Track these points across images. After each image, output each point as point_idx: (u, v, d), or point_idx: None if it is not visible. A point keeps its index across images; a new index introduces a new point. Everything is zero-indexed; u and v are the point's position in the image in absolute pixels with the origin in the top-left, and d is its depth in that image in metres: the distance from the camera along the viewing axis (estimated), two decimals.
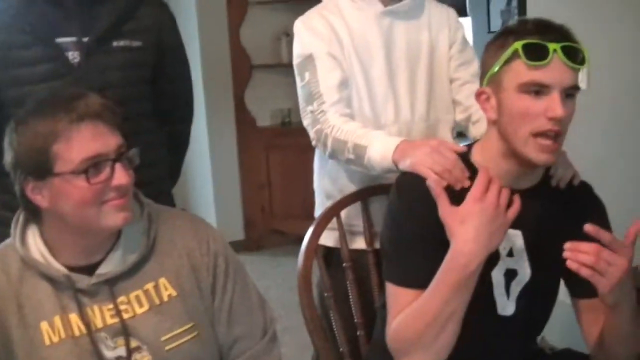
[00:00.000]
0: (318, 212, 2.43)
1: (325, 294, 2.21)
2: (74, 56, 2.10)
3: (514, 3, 8.01)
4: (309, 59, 2.25)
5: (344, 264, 2.21)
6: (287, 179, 5.58)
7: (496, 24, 9.28)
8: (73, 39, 2.09)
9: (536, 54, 1.68)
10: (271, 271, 5.24)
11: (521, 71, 1.71)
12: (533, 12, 3.43)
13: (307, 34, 2.28)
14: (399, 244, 1.85)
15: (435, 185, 1.75)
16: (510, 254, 1.83)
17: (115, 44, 2.14)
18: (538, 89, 1.70)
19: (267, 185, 5.81)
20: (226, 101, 5.74)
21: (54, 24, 2.09)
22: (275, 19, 5.52)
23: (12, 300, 1.65)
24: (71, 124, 1.54)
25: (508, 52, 1.72)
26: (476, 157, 1.87)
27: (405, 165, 1.92)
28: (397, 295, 1.82)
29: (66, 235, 1.65)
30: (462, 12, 9.16)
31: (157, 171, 2.32)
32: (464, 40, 2.41)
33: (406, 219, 1.83)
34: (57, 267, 1.65)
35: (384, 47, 2.28)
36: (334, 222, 2.21)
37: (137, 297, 1.69)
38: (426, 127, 2.32)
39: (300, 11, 2.39)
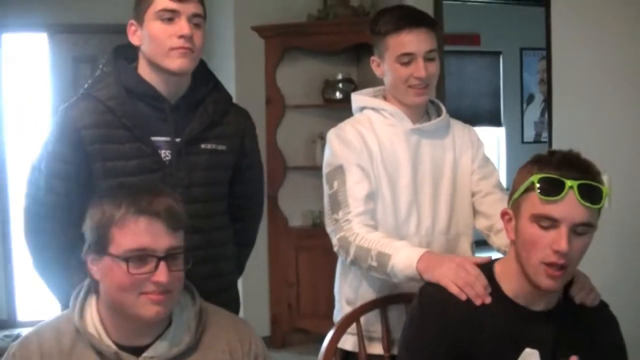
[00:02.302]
0: (337, 316, 2.50)
1: None
2: (165, 154, 2.25)
3: (547, 115, 8.15)
4: (339, 169, 2.34)
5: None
6: (314, 278, 5.62)
7: (529, 135, 9.42)
8: (167, 138, 2.25)
9: (551, 188, 1.77)
10: None
11: (535, 203, 1.80)
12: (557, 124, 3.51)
13: (339, 145, 2.37)
14: (415, 351, 1.90)
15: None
16: None
17: (203, 146, 2.31)
18: (548, 222, 1.78)
19: (295, 284, 5.84)
20: None
21: (151, 124, 2.25)
22: (310, 122, 5.65)
23: None
24: (128, 214, 1.70)
25: (527, 182, 1.82)
26: (498, 272, 1.95)
27: (429, 277, 2.00)
28: None
29: (114, 314, 1.78)
30: (496, 122, 9.29)
31: (229, 265, 2.47)
32: (485, 157, 2.51)
33: (425, 328, 1.90)
34: (108, 344, 1.77)
35: (410, 161, 2.38)
36: (353, 327, 2.27)
37: None
38: (446, 241, 2.40)
39: (334, 116, 2.51)
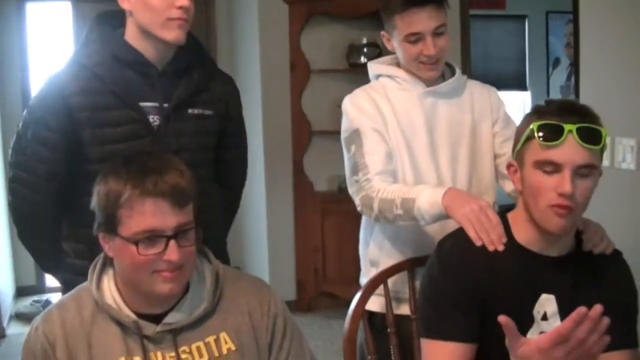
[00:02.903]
0: (362, 278, 2.54)
1: (369, 357, 2.29)
2: (154, 120, 2.26)
3: (574, 79, 8.09)
4: (355, 133, 2.37)
5: (389, 329, 2.30)
6: (340, 243, 5.66)
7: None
8: (155, 104, 2.26)
9: (551, 134, 1.81)
10: (320, 332, 5.30)
11: (537, 149, 1.84)
12: (585, 90, 3.50)
13: (354, 110, 2.40)
14: (437, 301, 1.94)
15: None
16: (544, 317, 1.91)
17: (190, 111, 2.32)
18: (551, 167, 1.82)
19: (321, 249, 5.88)
20: (285, 165, 5.86)
21: (139, 90, 2.25)
22: (335, 87, 5.64)
23: (83, 339, 1.78)
24: (134, 197, 1.69)
25: (527, 131, 1.86)
26: (511, 221, 1.99)
27: (452, 213, 2.05)
28: (435, 351, 1.92)
29: (128, 286, 1.80)
30: (522, 86, 9.23)
31: (217, 230, 2.48)
32: (507, 116, 2.50)
33: (444, 278, 1.94)
34: (127, 314, 1.79)
35: (426, 125, 2.39)
36: (380, 289, 2.30)
37: (198, 348, 1.81)
38: None
39: (359, 80, 2.52)
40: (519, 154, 1.92)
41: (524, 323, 1.89)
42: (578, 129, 1.80)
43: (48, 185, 2.29)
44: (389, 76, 2.45)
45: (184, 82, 2.31)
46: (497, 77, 8.44)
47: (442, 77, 2.48)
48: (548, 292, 1.92)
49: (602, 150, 1.86)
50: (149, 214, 1.70)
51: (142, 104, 2.26)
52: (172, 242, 1.72)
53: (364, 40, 5.77)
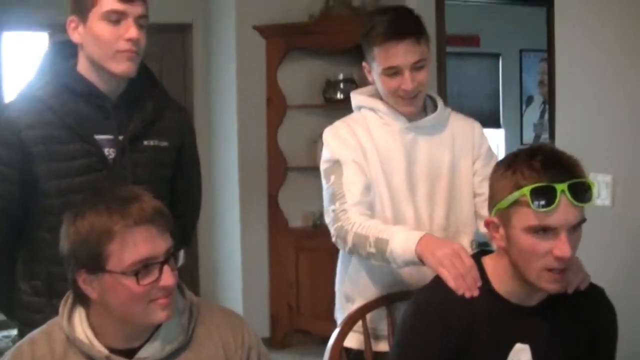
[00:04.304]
0: (338, 313, 2.53)
1: None
2: (109, 152, 2.23)
3: (547, 117, 8.16)
4: (335, 164, 2.36)
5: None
6: (314, 279, 5.62)
7: (529, 136, 9.42)
8: (110, 136, 2.23)
9: (543, 198, 1.73)
10: None
11: (529, 215, 1.76)
12: (560, 127, 3.51)
13: (335, 142, 2.40)
14: (407, 353, 1.91)
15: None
16: None
17: (145, 143, 2.29)
18: (544, 232, 1.76)
19: (295, 285, 5.83)
20: (260, 200, 5.83)
21: (94, 123, 2.22)
22: (311, 123, 5.64)
23: None
24: (126, 228, 1.65)
25: (516, 194, 1.78)
26: (489, 270, 1.94)
27: (427, 260, 2.02)
28: None
29: (110, 322, 1.75)
30: (495, 124, 9.30)
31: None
32: (489, 154, 2.49)
33: (419, 331, 1.90)
34: (99, 349, 1.74)
35: (405, 161, 2.38)
36: (357, 325, 2.27)
37: None
38: (445, 237, 2.38)
39: (335, 116, 2.52)
40: (502, 213, 1.85)
41: None
42: (569, 188, 1.74)
43: (3, 222, 2.23)
44: (370, 109, 2.44)
45: (138, 113, 2.28)
46: (471, 114, 8.42)
47: (425, 111, 2.47)
48: (523, 341, 1.88)
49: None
50: (142, 242, 1.67)
51: (97, 136, 2.22)
52: (166, 267, 1.69)
53: (341, 76, 5.78)
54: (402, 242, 2.12)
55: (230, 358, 1.85)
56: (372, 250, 2.19)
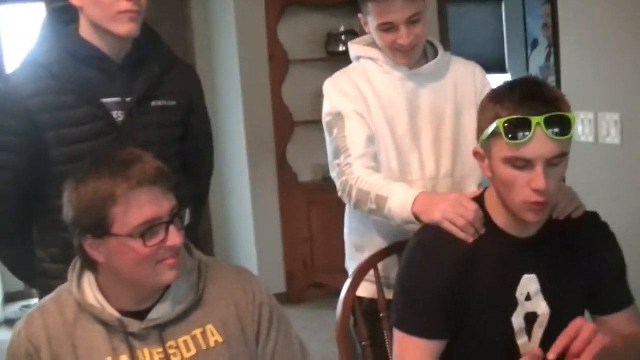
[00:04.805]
0: (349, 263, 2.55)
1: (363, 343, 2.27)
2: (117, 115, 2.21)
3: (553, 60, 8.09)
4: (337, 117, 2.36)
5: (381, 314, 2.28)
6: (328, 233, 5.60)
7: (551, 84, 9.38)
8: (117, 99, 2.21)
9: (518, 130, 1.74)
10: (312, 323, 5.28)
11: (505, 147, 1.77)
12: (566, 68, 3.49)
13: (335, 94, 2.39)
14: (411, 292, 1.92)
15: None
16: (528, 298, 1.90)
17: (153, 103, 2.28)
18: (522, 162, 1.76)
19: (309, 240, 5.86)
20: (268, 157, 5.84)
21: (99, 86, 2.20)
22: (315, 77, 5.56)
23: (68, 341, 1.74)
24: (129, 190, 1.64)
25: (492, 127, 1.79)
26: (488, 203, 1.96)
27: (427, 219, 2.02)
28: (406, 345, 1.91)
29: (119, 285, 1.75)
30: (501, 69, 9.23)
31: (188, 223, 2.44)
32: None
33: (421, 270, 1.91)
34: (111, 312, 1.74)
35: (408, 109, 2.38)
36: (370, 275, 2.28)
37: (185, 343, 1.77)
38: (452, 183, 2.41)
39: (339, 68, 2.50)
40: (485, 145, 1.86)
41: (508, 306, 1.89)
42: (546, 121, 1.73)
43: (14, 191, 2.24)
44: (369, 58, 2.43)
45: (144, 74, 2.26)
46: (476, 61, 8.40)
47: (426, 58, 2.46)
48: (528, 272, 1.90)
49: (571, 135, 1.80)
50: (146, 203, 1.66)
51: (104, 100, 2.20)
52: (172, 227, 1.69)
53: (342, 29, 5.75)
54: (400, 200, 2.13)
55: (242, 315, 1.85)
56: (373, 206, 2.21)
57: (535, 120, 1.73)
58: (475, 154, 1.93)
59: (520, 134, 1.73)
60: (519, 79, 1.87)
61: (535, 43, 9.36)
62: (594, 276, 1.94)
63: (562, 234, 1.94)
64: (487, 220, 1.94)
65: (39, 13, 6.24)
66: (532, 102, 1.76)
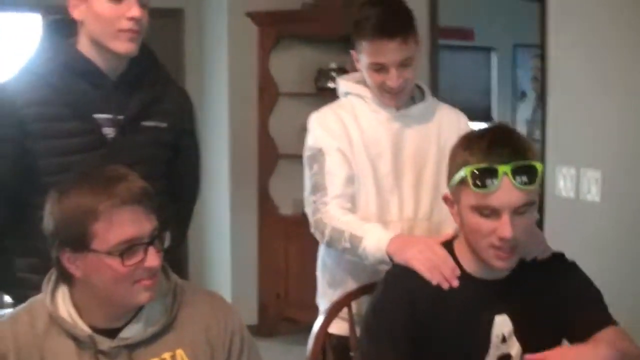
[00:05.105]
0: (320, 299, 2.55)
1: None
2: (107, 132, 2.22)
3: (540, 113, 8.16)
4: (319, 153, 2.37)
5: (351, 353, 2.27)
6: (303, 268, 5.56)
7: (521, 132, 9.45)
8: (109, 116, 2.22)
9: (485, 178, 1.75)
10: (282, 358, 5.25)
11: (471, 195, 1.79)
12: (551, 122, 3.52)
13: (320, 129, 2.40)
14: (377, 335, 1.92)
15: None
16: (503, 340, 1.89)
17: (145, 123, 2.29)
18: (488, 211, 1.77)
19: (284, 273, 5.84)
20: (250, 187, 5.84)
21: (93, 101, 2.21)
22: (303, 111, 5.55)
23: (36, 352, 1.72)
24: (112, 207, 1.64)
25: (459, 174, 1.80)
26: (457, 250, 1.96)
27: (400, 258, 2.03)
28: None
29: (93, 301, 1.74)
30: (488, 119, 9.29)
31: (171, 244, 2.43)
32: None
33: (388, 312, 1.91)
34: (82, 327, 1.73)
35: (392, 148, 2.39)
36: (342, 312, 2.28)
37: None
38: (429, 226, 2.41)
39: (326, 104, 2.51)
40: (454, 191, 1.88)
41: (479, 348, 1.89)
42: (513, 170, 1.74)
43: (0, 198, 2.23)
44: (357, 95, 2.44)
45: (138, 93, 2.28)
46: (464, 108, 8.35)
47: (413, 100, 2.48)
48: (500, 313, 1.90)
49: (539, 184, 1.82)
50: (128, 222, 1.66)
51: (96, 115, 2.21)
52: (151, 248, 1.69)
53: (333, 65, 5.78)
54: (375, 241, 2.14)
55: (213, 341, 1.84)
56: (347, 245, 2.22)
57: (502, 169, 1.74)
58: (445, 199, 1.95)
59: (487, 182, 1.75)
60: (490, 126, 1.91)
61: (523, 95, 9.43)
62: (566, 309, 1.93)
63: (532, 275, 1.95)
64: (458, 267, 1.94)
65: (34, 23, 6.26)
66: (500, 149, 1.77)
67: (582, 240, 3.21)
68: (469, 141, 1.84)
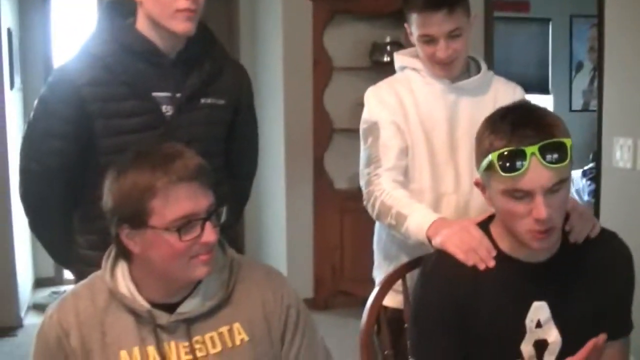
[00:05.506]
0: (376, 272, 2.57)
1: (385, 352, 2.29)
2: (167, 110, 2.25)
3: (596, 83, 8.05)
4: (374, 126, 2.39)
5: (405, 325, 2.29)
6: (358, 242, 5.60)
7: (577, 103, 9.32)
8: (167, 94, 2.25)
9: (512, 162, 1.70)
10: (337, 331, 5.28)
11: (501, 180, 1.74)
12: (608, 92, 3.48)
13: (376, 102, 2.42)
14: (419, 325, 1.93)
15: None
16: (538, 325, 1.87)
17: (203, 101, 2.31)
18: (521, 193, 1.72)
19: (339, 247, 5.86)
20: (305, 161, 5.86)
21: (151, 80, 2.24)
22: (357, 85, 5.57)
23: (97, 327, 1.77)
24: (169, 184, 1.67)
25: (486, 160, 1.76)
26: (493, 231, 1.93)
27: (436, 242, 2.02)
28: None
29: (151, 277, 1.78)
30: (544, 90, 9.19)
31: (228, 220, 2.47)
32: None
33: (428, 301, 1.90)
34: (141, 302, 1.78)
35: (447, 121, 2.40)
36: (397, 285, 2.29)
37: (212, 338, 1.80)
38: (485, 201, 2.41)
39: (381, 78, 2.53)
40: (483, 177, 1.84)
41: (516, 334, 1.87)
42: (541, 149, 1.69)
43: (59, 177, 2.29)
44: (413, 69, 2.45)
45: (196, 71, 2.30)
46: (519, 81, 8.22)
47: (468, 73, 2.48)
48: (538, 299, 1.86)
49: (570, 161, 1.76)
50: (185, 198, 1.68)
51: (155, 94, 2.25)
52: (208, 224, 1.71)
53: (387, 39, 5.76)
54: (418, 221, 2.15)
55: (269, 315, 1.87)
56: (393, 222, 2.24)
57: (529, 150, 1.69)
58: (477, 184, 1.91)
59: (516, 166, 1.70)
60: (510, 106, 1.84)
61: (580, 66, 9.32)
62: (604, 300, 1.89)
63: (576, 257, 1.90)
64: (493, 246, 1.91)
65: (90, 4, 6.33)
66: (523, 130, 1.72)
67: (639, 210, 3.18)
68: (492, 124, 1.79)
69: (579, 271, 1.90)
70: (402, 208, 2.22)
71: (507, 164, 1.71)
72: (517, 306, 1.87)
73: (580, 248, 1.91)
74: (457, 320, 1.85)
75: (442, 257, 1.94)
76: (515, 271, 1.88)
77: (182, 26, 2.19)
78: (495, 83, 2.50)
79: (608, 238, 1.97)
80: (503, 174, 1.72)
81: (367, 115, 2.44)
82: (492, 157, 1.74)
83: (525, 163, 1.69)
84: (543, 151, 1.69)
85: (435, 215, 2.16)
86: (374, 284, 2.41)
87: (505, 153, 1.72)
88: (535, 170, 1.70)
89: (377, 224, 2.56)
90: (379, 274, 2.50)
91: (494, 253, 1.90)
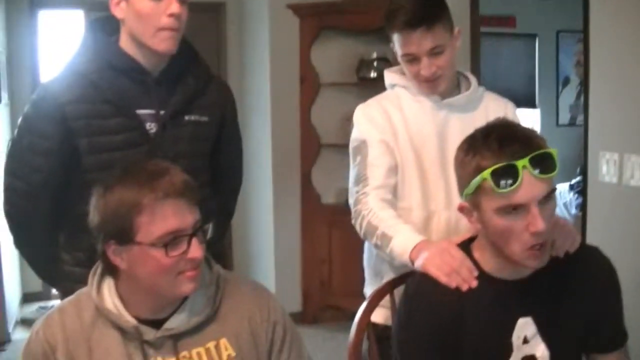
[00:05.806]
0: (367, 288, 2.55)
1: None
2: (150, 127, 2.26)
3: (583, 98, 8.08)
4: (362, 144, 2.38)
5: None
6: (346, 256, 5.62)
7: (565, 118, 9.36)
8: (151, 111, 2.26)
9: (505, 177, 1.70)
10: (325, 345, 5.29)
11: (494, 197, 1.74)
12: (594, 107, 3.50)
13: (364, 121, 2.42)
14: (403, 351, 1.91)
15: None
16: (525, 341, 1.86)
17: (186, 118, 2.32)
18: (515, 210, 1.73)
19: (327, 261, 5.86)
20: (293, 176, 5.86)
21: (135, 97, 2.25)
22: (344, 101, 5.62)
23: (84, 343, 1.77)
24: (156, 200, 1.68)
25: (478, 179, 1.75)
26: (476, 253, 1.93)
27: (417, 265, 2.02)
28: None
29: (138, 293, 1.78)
30: (531, 104, 9.23)
31: (214, 235, 2.47)
32: None
33: (412, 326, 1.89)
34: (128, 319, 1.78)
35: (437, 138, 2.39)
36: (385, 300, 2.28)
37: (199, 354, 1.80)
38: None
39: (368, 94, 2.53)
40: (471, 199, 1.83)
41: (502, 352, 1.86)
42: (531, 161, 1.71)
43: (44, 195, 2.29)
44: (403, 86, 2.45)
45: (180, 88, 2.31)
46: (506, 96, 8.28)
47: (458, 89, 2.48)
48: (524, 315, 1.86)
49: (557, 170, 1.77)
50: (171, 215, 1.70)
51: (138, 111, 2.25)
52: (194, 240, 1.72)
53: (374, 55, 5.77)
54: (402, 244, 2.15)
55: (256, 331, 1.87)
56: (378, 242, 2.24)
57: (520, 163, 1.71)
58: (461, 209, 1.91)
59: (509, 181, 1.71)
60: (489, 124, 1.84)
61: (566, 80, 9.36)
62: (593, 314, 1.90)
63: (558, 272, 1.90)
64: (475, 267, 1.91)
65: (77, 20, 6.33)
66: (511, 145, 1.73)
67: (626, 225, 3.19)
68: (474, 146, 1.80)
69: (562, 285, 1.90)
70: (387, 229, 2.21)
71: (501, 181, 1.72)
72: (503, 324, 1.86)
73: (562, 262, 1.91)
74: (442, 343, 1.84)
75: (424, 280, 1.93)
76: (499, 289, 1.87)
77: (164, 45, 2.21)
78: (485, 99, 2.50)
79: (589, 252, 1.98)
80: (498, 190, 1.72)
81: (356, 133, 2.44)
82: (483, 175, 1.74)
83: (518, 178, 1.70)
84: (533, 163, 1.71)
85: (418, 237, 2.14)
86: (364, 299, 2.41)
87: (498, 170, 1.72)
88: (528, 183, 1.71)
89: (366, 243, 2.55)
90: (370, 291, 2.49)
91: (475, 273, 1.89)
